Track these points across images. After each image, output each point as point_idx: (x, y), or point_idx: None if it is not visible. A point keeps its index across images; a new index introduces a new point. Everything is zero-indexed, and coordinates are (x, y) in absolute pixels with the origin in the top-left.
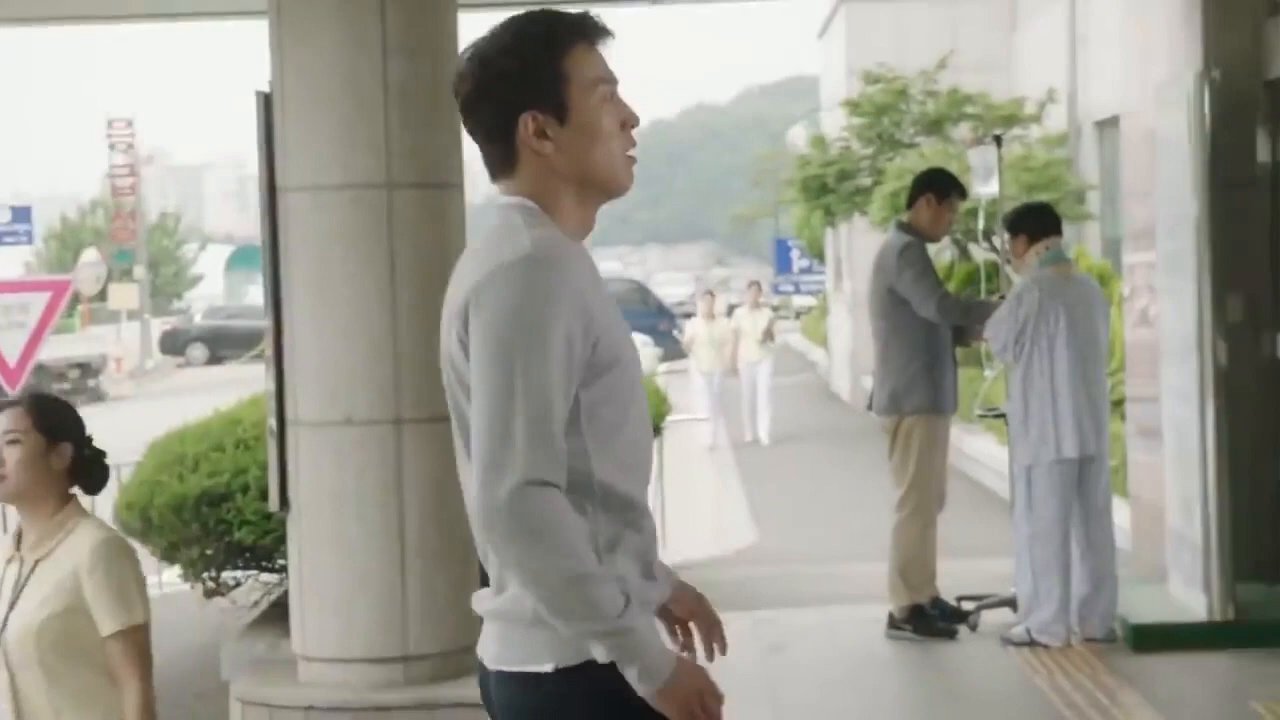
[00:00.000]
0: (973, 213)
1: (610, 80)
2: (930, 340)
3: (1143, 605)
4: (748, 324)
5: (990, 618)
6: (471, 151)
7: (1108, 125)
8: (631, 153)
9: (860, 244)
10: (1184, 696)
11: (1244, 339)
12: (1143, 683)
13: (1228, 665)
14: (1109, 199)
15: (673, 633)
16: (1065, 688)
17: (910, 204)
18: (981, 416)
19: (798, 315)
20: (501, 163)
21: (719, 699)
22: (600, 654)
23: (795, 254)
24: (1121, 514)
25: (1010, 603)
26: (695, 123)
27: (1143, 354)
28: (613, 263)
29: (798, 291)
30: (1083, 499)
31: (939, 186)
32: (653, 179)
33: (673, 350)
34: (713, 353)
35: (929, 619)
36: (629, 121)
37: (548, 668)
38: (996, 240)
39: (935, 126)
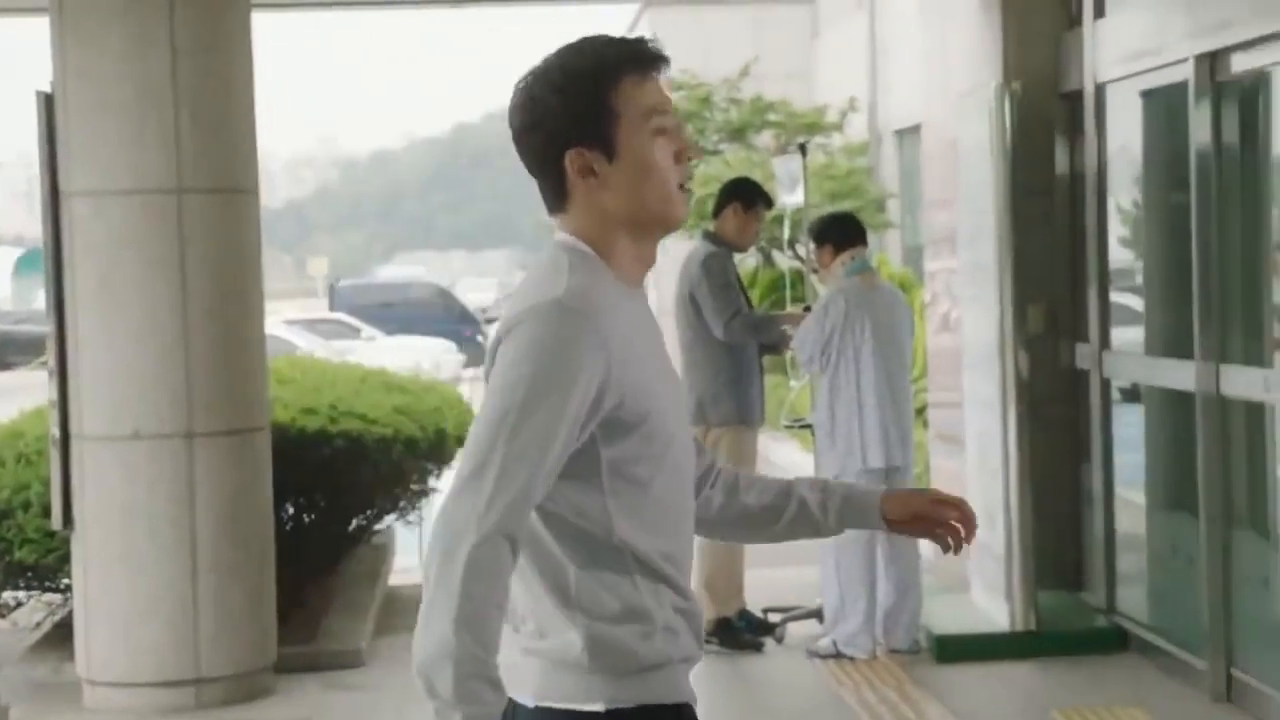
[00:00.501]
0: (778, 221)
1: (662, 111)
2: (736, 351)
3: (946, 615)
4: None
5: (796, 630)
6: (266, 155)
7: (907, 134)
8: (685, 184)
9: (665, 250)
10: (986, 707)
11: (1045, 348)
12: (946, 694)
13: (1029, 675)
14: (909, 207)
15: (940, 539)
16: (871, 700)
17: (716, 213)
18: (788, 427)
19: None
20: (554, 198)
21: None
22: None
23: None
24: None
25: (817, 614)
26: (499, 126)
27: (944, 360)
28: (417, 268)
29: None
30: None
31: (745, 195)
32: (457, 183)
33: (477, 356)
34: None
35: (735, 631)
36: (682, 153)
37: (598, 707)
38: (801, 249)
39: (739, 134)
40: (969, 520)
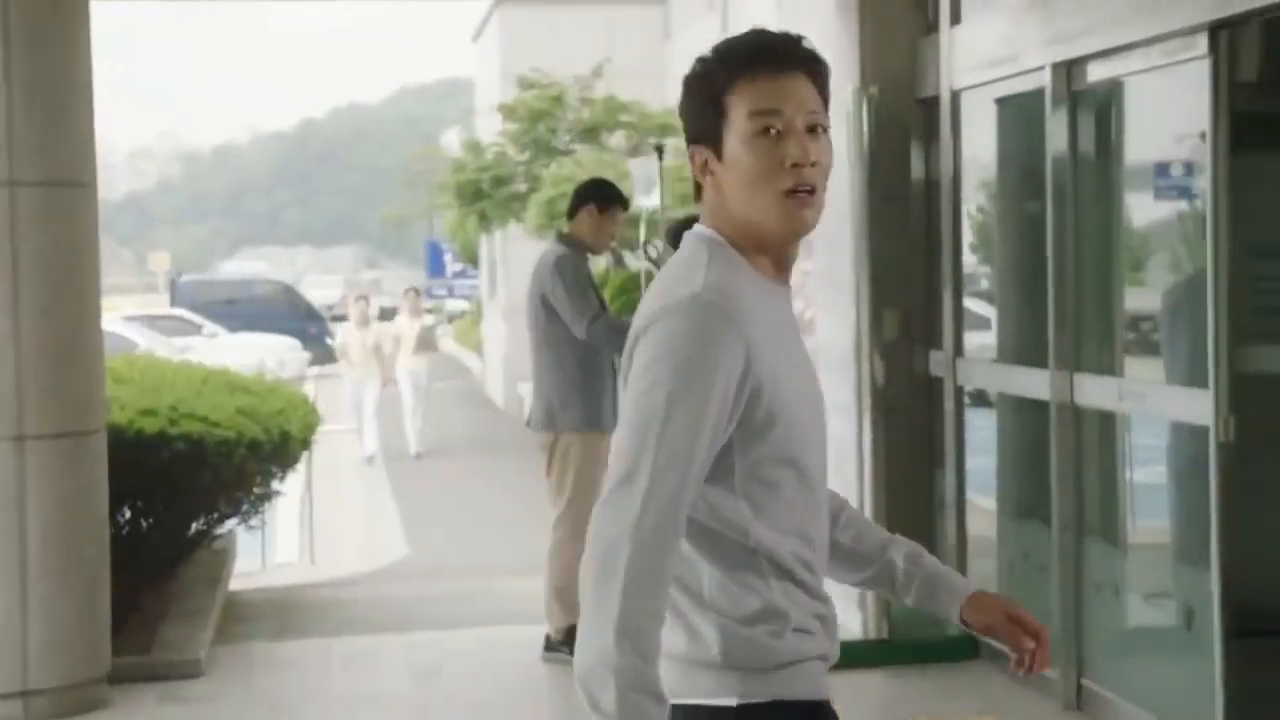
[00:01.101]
0: (634, 223)
1: (770, 113)
2: (588, 355)
3: None
4: (408, 331)
5: None
6: (105, 146)
7: None
8: (798, 191)
9: (515, 250)
10: (840, 716)
11: (900, 354)
12: None
13: (881, 683)
14: None
15: (1020, 651)
16: None
17: (571, 214)
18: None
19: (450, 320)
20: (696, 189)
21: None
22: None
23: (449, 258)
24: None
25: None
26: (346, 122)
27: None
28: (261, 264)
29: (451, 295)
30: None
31: (602, 197)
32: (303, 178)
33: (322, 355)
34: (366, 359)
35: None
36: (788, 158)
37: (730, 701)
38: (653, 249)
39: (591, 134)
40: (1043, 649)
